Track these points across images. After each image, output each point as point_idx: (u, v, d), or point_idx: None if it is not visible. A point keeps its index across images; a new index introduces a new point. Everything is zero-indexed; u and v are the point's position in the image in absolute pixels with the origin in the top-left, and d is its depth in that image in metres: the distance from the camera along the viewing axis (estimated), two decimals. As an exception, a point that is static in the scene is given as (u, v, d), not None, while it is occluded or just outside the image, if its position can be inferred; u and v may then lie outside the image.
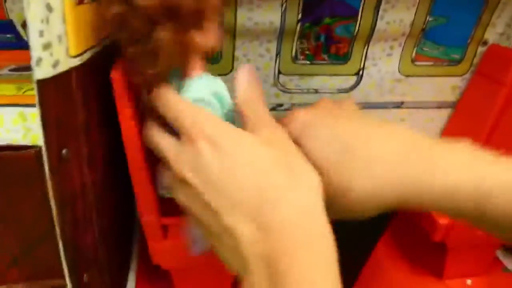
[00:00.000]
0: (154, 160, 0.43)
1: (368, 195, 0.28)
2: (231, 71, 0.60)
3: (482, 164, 0.27)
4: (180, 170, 0.28)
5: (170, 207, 0.47)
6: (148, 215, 0.45)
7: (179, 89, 0.37)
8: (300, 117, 0.31)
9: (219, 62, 0.60)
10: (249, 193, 0.25)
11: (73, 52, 0.34)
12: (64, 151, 0.34)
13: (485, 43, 0.65)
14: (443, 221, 0.56)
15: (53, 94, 0.32)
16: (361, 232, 0.56)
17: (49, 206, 0.34)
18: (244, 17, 0.55)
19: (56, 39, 0.31)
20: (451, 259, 0.62)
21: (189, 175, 0.27)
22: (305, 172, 0.26)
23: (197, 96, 0.36)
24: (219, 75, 0.60)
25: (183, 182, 0.28)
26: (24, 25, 0.52)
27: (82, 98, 0.36)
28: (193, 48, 0.34)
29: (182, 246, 0.48)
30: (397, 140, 0.29)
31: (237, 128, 0.29)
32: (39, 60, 0.30)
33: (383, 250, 0.66)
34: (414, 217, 0.61)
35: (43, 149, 0.32)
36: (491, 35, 0.65)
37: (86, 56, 0.37)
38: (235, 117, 0.38)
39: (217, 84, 0.38)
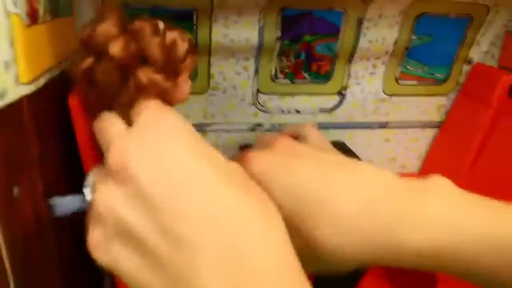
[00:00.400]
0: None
1: (338, 252, 0.25)
2: (206, 89, 0.57)
3: (463, 217, 0.24)
4: (123, 157, 0.22)
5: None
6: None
7: None
8: (255, 164, 0.27)
9: (194, 81, 0.57)
10: (209, 211, 0.20)
11: (24, 78, 0.31)
12: (15, 189, 0.30)
13: (469, 62, 0.64)
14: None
15: (0, 128, 0.28)
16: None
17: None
18: (219, 33, 0.53)
19: (2, 66, 0.28)
20: None
21: (135, 165, 0.21)
22: (276, 213, 0.23)
23: None
24: (195, 93, 0.58)
25: (121, 173, 0.22)
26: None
27: (35, 128, 0.32)
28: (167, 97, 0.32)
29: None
30: (366, 187, 0.25)
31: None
32: (-20, 91, 0.26)
33: (370, 280, 0.63)
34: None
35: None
36: (476, 54, 0.63)
37: (42, 81, 0.33)
38: None
39: None
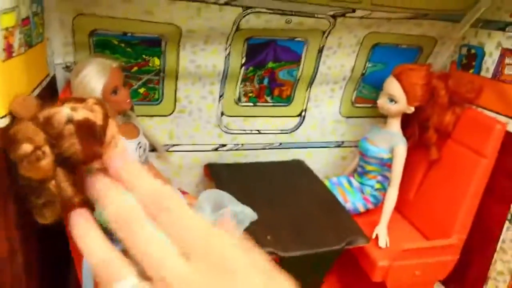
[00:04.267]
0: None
1: None
2: (172, 112, 0.59)
3: None
4: None
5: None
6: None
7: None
8: None
9: (160, 104, 0.58)
10: None
11: (1, 112, 0.31)
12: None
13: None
14: (382, 263, 0.57)
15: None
16: (306, 273, 0.56)
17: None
18: (187, 59, 0.54)
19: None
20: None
21: None
22: None
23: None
24: (160, 116, 0.59)
25: None
26: None
27: (6, 160, 0.33)
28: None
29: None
30: None
31: None
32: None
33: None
34: (356, 259, 0.62)
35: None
36: (425, 80, 0.68)
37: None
38: None
39: None
